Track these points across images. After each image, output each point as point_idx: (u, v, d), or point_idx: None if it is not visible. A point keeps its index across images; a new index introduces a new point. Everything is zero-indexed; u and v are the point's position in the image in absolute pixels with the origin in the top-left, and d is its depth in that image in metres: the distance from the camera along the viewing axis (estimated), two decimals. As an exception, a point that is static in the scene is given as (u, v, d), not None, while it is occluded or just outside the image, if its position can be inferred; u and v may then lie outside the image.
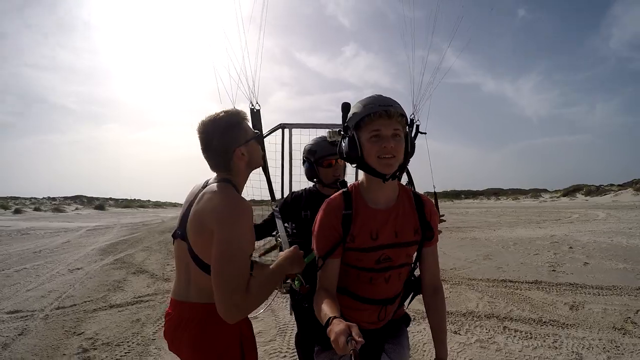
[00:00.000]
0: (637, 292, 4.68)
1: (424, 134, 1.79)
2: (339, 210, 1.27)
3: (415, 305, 4.03)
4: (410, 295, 1.48)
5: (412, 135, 1.65)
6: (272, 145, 2.36)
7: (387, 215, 1.28)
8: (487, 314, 4.08)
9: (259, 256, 2.32)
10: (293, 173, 2.41)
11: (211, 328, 1.25)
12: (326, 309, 1.10)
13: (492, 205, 37.05)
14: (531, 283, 5.32)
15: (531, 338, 3.44)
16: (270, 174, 2.28)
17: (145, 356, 3.27)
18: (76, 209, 36.61)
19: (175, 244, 1.34)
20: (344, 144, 1.27)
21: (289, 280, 1.68)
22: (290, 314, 2.26)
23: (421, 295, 1.44)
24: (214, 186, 1.27)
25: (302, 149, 2.13)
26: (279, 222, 2.00)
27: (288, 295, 2.31)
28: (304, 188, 2.18)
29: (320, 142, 2.02)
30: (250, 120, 1.44)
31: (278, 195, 2.34)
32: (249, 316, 1.31)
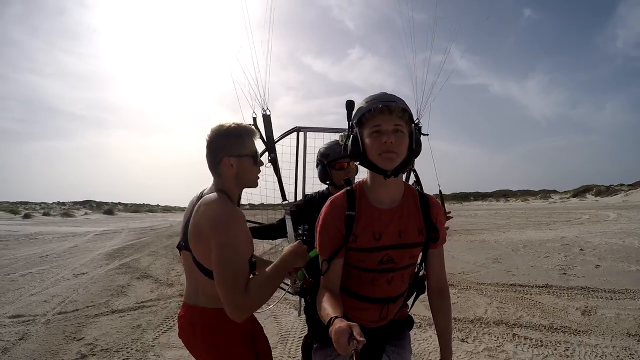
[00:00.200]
0: (652, 297, 4.51)
1: (426, 135, 1.76)
2: (341, 211, 1.25)
3: (421, 311, 4.00)
4: (414, 295, 1.45)
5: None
6: (286, 147, 2.47)
7: (391, 215, 1.25)
8: (495, 321, 3.95)
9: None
10: (307, 176, 2.53)
11: (223, 331, 1.32)
12: (328, 309, 1.09)
13: (501, 207, 36.67)
14: (541, 287, 5.17)
15: (542, 346, 3.31)
16: (281, 175, 2.39)
17: (144, 363, 3.22)
18: (85, 213, 37.05)
19: (182, 255, 1.42)
20: (348, 142, 1.25)
21: (296, 282, 1.67)
22: (300, 315, 2.26)
23: (427, 298, 1.42)
24: (207, 197, 1.33)
25: (316, 152, 2.22)
26: (288, 221, 2.10)
27: (291, 301, 2.31)
28: (317, 191, 2.26)
29: (333, 146, 2.11)
30: (257, 135, 1.45)
31: (291, 197, 2.45)
32: (256, 312, 1.35)
